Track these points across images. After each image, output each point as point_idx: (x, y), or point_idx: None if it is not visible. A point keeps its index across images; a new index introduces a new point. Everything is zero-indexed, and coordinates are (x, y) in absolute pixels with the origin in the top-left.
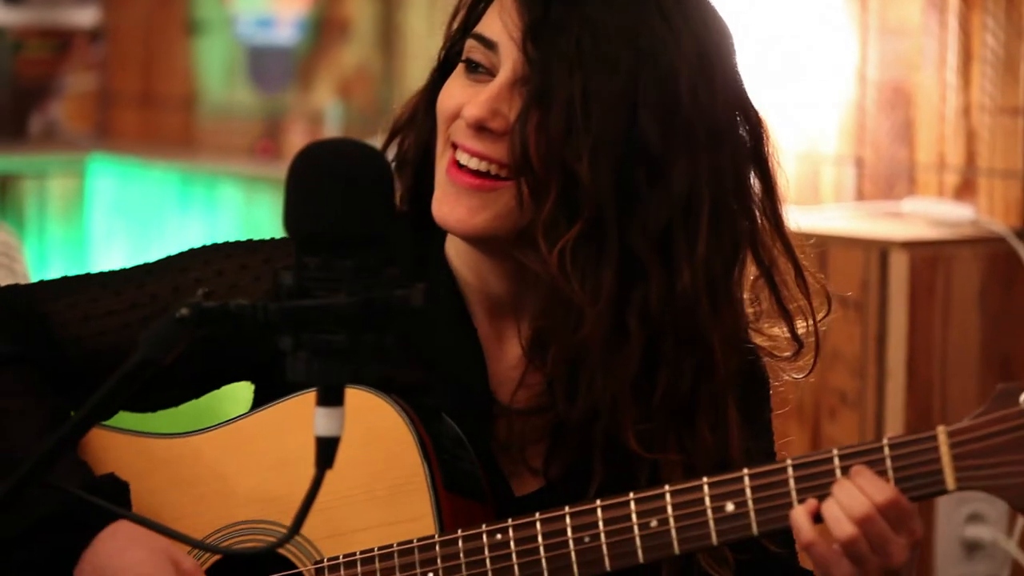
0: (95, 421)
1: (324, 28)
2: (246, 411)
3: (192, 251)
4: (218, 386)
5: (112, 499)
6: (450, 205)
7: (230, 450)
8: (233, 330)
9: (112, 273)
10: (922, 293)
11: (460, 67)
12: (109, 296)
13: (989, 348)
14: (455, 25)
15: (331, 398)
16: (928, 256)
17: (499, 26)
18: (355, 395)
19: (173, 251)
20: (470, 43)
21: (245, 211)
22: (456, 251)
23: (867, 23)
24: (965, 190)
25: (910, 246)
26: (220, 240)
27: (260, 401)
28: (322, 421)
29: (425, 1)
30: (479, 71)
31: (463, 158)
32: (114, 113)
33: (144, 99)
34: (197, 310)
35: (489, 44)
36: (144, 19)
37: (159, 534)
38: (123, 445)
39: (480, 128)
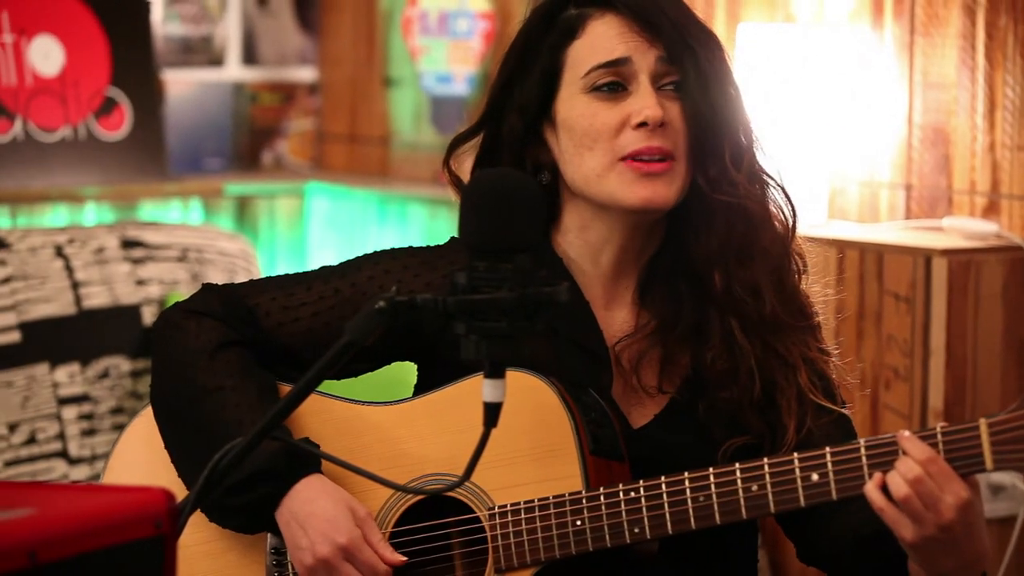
0: (311, 390)
1: (489, 82)
2: (416, 390)
3: (366, 255)
4: (389, 363)
5: (307, 455)
6: (651, 189)
7: (421, 418)
8: (412, 319)
9: (304, 273)
10: (958, 290)
11: (587, 95)
12: (302, 291)
13: (1010, 333)
14: (534, 78)
15: (495, 371)
16: (962, 261)
17: (623, 46)
18: (522, 378)
19: (351, 257)
20: (599, 72)
21: (429, 226)
22: (571, 242)
23: (914, 79)
24: (991, 210)
25: (948, 253)
26: (389, 247)
27: (424, 379)
28: (488, 390)
29: None
30: (617, 89)
31: (644, 157)
32: (327, 149)
33: (350, 138)
34: (392, 302)
35: (622, 62)
36: (351, 76)
37: (345, 477)
38: (329, 409)
39: (660, 125)
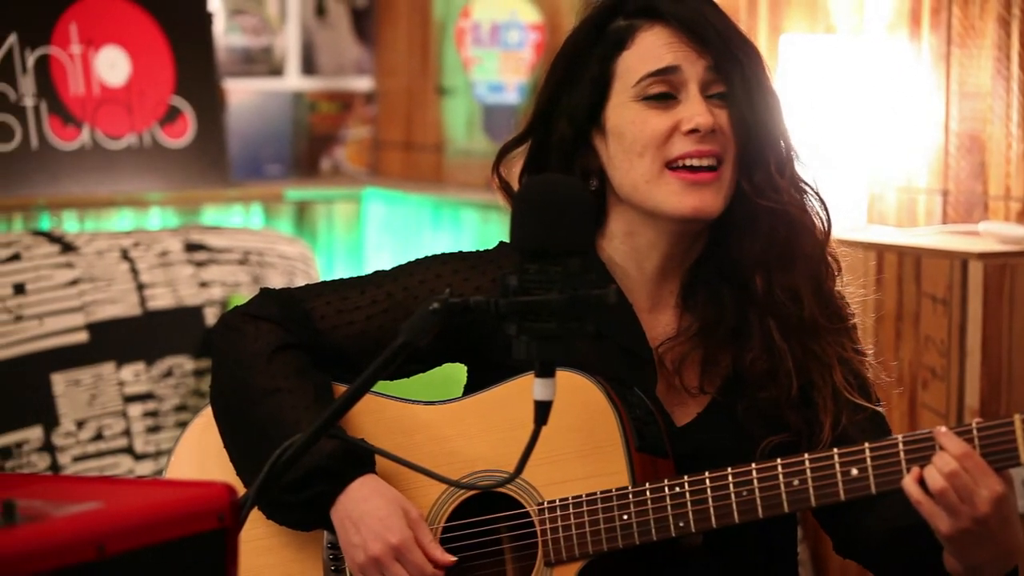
0: (367, 389)
1: (536, 90)
2: (465, 391)
3: (417, 260)
4: (441, 364)
5: (364, 455)
6: (699, 198)
7: (471, 417)
8: (463, 321)
9: (358, 277)
10: (993, 293)
11: (638, 103)
12: (356, 295)
13: None
14: (586, 88)
15: (545, 371)
16: (998, 264)
17: (672, 56)
18: (570, 378)
19: (403, 261)
20: (649, 81)
21: (482, 230)
22: (617, 247)
23: (950, 88)
24: None
25: (984, 257)
26: (439, 252)
27: (473, 380)
28: (539, 388)
29: None
30: (667, 98)
31: (694, 162)
32: (383, 156)
33: (405, 146)
34: (446, 304)
35: (672, 70)
36: (406, 86)
37: (397, 475)
38: (382, 408)
39: (710, 132)
